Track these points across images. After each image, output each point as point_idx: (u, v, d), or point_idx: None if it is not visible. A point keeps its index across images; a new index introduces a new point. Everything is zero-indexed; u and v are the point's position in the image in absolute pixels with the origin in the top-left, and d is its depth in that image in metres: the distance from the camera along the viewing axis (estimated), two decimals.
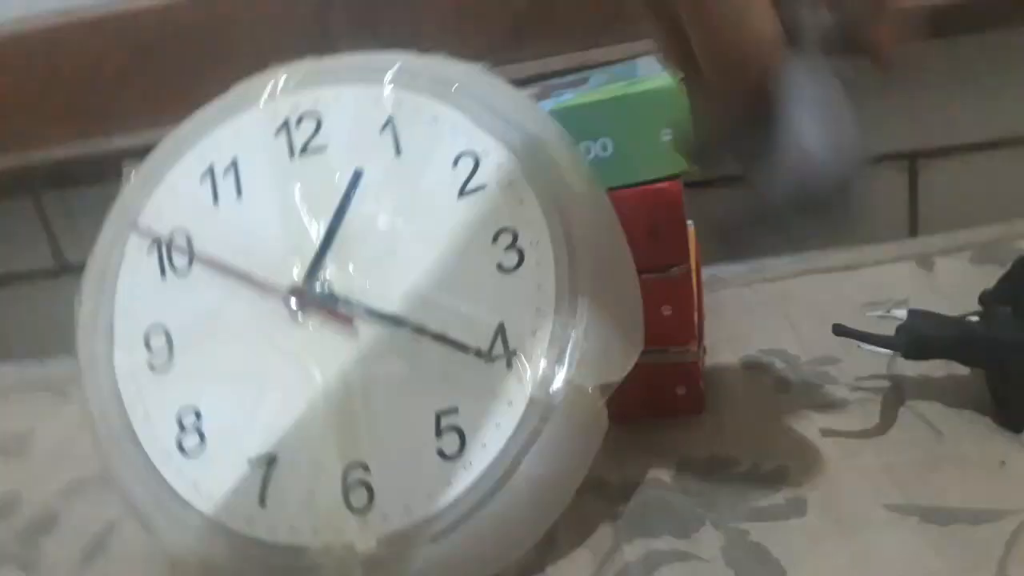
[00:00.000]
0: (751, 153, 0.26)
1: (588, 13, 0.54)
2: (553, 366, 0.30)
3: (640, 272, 0.36)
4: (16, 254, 0.71)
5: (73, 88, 0.61)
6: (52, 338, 0.72)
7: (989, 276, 0.38)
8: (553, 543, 0.35)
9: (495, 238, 0.32)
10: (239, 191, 0.35)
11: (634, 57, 0.51)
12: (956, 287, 0.47)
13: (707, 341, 0.47)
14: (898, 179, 0.61)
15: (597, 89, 0.40)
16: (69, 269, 0.71)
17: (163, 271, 0.35)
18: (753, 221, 0.27)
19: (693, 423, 0.41)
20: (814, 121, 0.25)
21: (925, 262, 0.52)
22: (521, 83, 0.52)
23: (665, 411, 0.42)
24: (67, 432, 0.53)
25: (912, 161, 0.60)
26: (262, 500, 0.31)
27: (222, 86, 0.39)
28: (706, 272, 0.56)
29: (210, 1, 0.58)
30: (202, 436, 0.33)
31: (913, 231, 0.62)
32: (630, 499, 0.37)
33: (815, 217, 0.26)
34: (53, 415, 0.56)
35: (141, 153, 0.61)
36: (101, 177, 0.63)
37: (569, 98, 0.40)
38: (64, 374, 0.61)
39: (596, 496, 0.37)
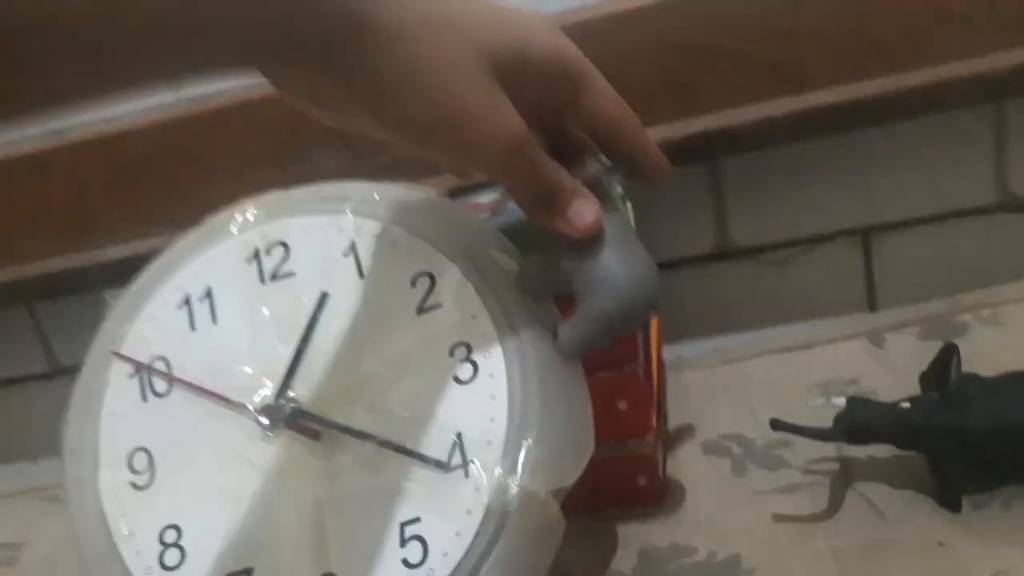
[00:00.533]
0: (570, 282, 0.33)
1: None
2: (507, 474, 0.32)
3: (595, 370, 0.38)
4: (12, 359, 0.73)
5: (63, 205, 0.64)
6: (47, 439, 0.74)
7: (935, 352, 0.40)
8: None
9: (451, 352, 0.34)
10: (214, 317, 0.37)
11: None
12: (905, 364, 0.49)
13: (670, 425, 0.49)
14: (853, 254, 0.64)
15: None
16: (62, 372, 0.73)
17: (144, 395, 0.37)
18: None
19: (654, 512, 0.43)
20: (620, 262, 0.32)
21: (876, 339, 0.54)
22: (483, 187, 0.56)
23: (627, 501, 0.44)
24: (57, 542, 0.55)
25: (866, 236, 0.63)
26: None
27: (203, 202, 0.41)
28: (670, 353, 0.59)
29: (190, 121, 0.61)
30: (183, 552, 0.34)
31: (871, 303, 0.64)
32: None
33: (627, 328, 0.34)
34: (44, 524, 0.58)
35: (126, 264, 0.64)
36: (90, 287, 0.66)
37: (514, 214, 0.42)
38: (58, 478, 0.63)
39: None
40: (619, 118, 0.34)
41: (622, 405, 0.43)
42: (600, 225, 0.32)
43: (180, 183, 0.62)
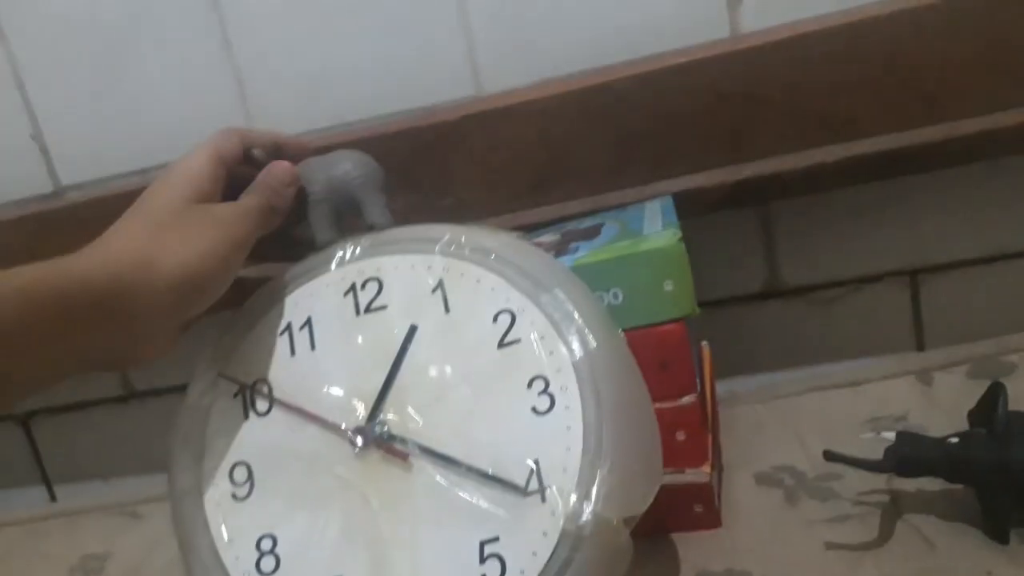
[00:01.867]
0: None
1: (599, 163, 0.61)
2: (582, 500, 0.34)
3: (654, 402, 0.40)
4: (88, 382, 0.77)
5: None
6: (119, 460, 0.79)
7: (983, 390, 0.43)
8: None
9: (529, 384, 0.37)
10: (312, 344, 0.41)
11: (642, 201, 0.58)
12: (953, 402, 0.51)
13: (724, 458, 0.52)
14: (901, 294, 0.65)
15: (609, 245, 0.46)
16: (136, 396, 0.77)
17: (246, 414, 0.41)
18: None
19: (710, 537, 0.45)
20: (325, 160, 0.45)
21: (925, 377, 0.56)
22: (542, 226, 0.59)
23: (684, 526, 0.46)
24: (140, 553, 0.58)
25: (913, 277, 0.65)
26: None
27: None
28: (721, 388, 0.61)
29: None
30: (277, 559, 0.38)
31: (919, 343, 0.66)
32: None
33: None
34: (126, 537, 0.62)
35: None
36: None
37: (584, 253, 0.46)
38: (133, 496, 0.67)
39: None
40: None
41: (680, 436, 0.45)
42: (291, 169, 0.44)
43: None
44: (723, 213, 0.64)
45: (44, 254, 0.71)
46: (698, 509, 0.46)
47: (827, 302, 0.66)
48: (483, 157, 0.62)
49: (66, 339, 0.34)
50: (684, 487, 0.45)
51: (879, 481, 0.46)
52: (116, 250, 0.37)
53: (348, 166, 0.44)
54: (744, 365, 0.66)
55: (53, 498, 0.81)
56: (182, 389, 0.43)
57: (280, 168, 0.43)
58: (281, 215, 0.43)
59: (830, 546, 0.42)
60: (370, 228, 0.43)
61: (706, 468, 0.45)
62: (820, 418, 0.54)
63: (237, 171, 0.43)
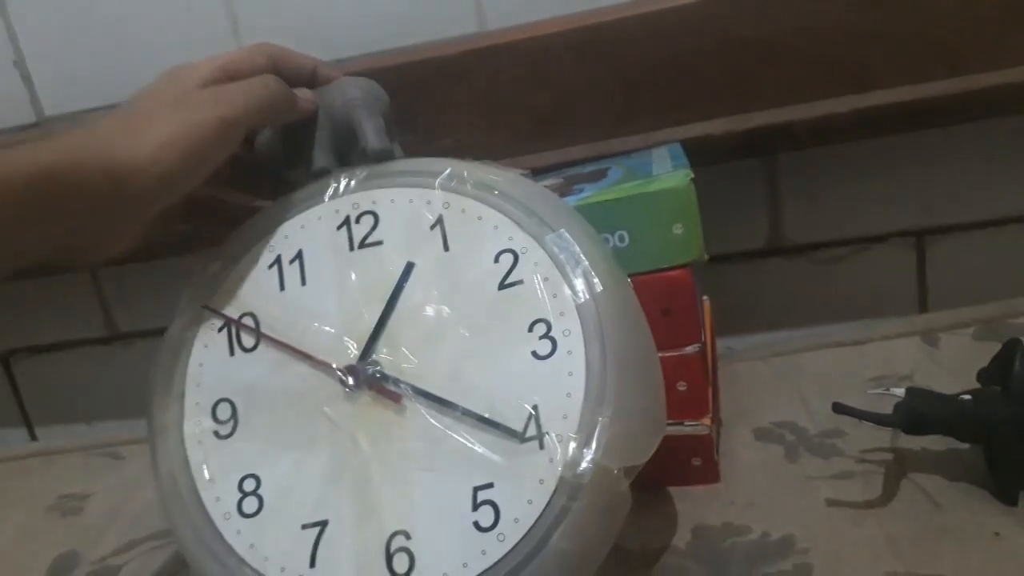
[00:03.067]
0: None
1: (604, 108, 0.59)
2: (581, 448, 0.33)
3: (657, 350, 0.39)
4: (71, 322, 0.76)
5: None
6: (102, 402, 0.77)
7: (990, 352, 0.41)
8: None
9: (530, 327, 0.35)
10: (303, 279, 0.39)
11: (649, 148, 0.56)
12: (960, 363, 0.50)
13: (722, 413, 0.50)
14: (906, 256, 0.64)
15: (616, 186, 0.44)
16: (119, 337, 0.75)
17: (232, 349, 0.39)
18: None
19: (708, 492, 0.44)
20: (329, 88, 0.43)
21: (930, 338, 0.55)
22: (543, 171, 0.57)
23: (682, 480, 0.45)
24: (120, 494, 0.57)
25: (919, 238, 0.64)
26: (312, 561, 0.34)
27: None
28: (721, 344, 0.60)
29: None
30: (261, 500, 0.36)
31: (923, 307, 0.65)
32: (649, 565, 0.40)
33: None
34: (106, 478, 0.60)
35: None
36: (154, 254, 0.68)
37: (590, 193, 0.44)
38: (115, 437, 0.66)
39: (617, 563, 0.40)
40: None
41: (681, 386, 0.44)
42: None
43: None
44: (728, 165, 0.62)
45: None
46: (696, 463, 0.45)
47: (831, 261, 0.64)
48: (484, 96, 0.60)
49: (42, 220, 0.32)
50: (683, 439, 0.44)
51: (883, 439, 0.45)
52: (104, 125, 0.35)
53: (354, 91, 0.42)
54: (744, 323, 0.65)
55: (34, 440, 0.79)
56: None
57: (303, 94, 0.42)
58: (283, 114, 0.40)
59: (832, 503, 0.41)
60: (366, 156, 0.41)
61: (707, 421, 0.44)
62: (822, 376, 0.53)
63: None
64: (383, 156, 0.40)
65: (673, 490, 0.45)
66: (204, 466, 0.38)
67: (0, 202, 0.30)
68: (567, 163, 0.58)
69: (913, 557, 0.37)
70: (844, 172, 0.62)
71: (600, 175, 0.48)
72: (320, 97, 0.42)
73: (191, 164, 0.36)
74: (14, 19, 0.66)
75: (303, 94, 0.41)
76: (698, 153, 0.55)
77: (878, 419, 0.39)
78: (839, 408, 0.39)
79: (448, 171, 0.39)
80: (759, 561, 0.39)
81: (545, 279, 0.36)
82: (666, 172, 0.44)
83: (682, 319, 0.43)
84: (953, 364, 0.51)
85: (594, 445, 0.33)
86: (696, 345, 0.43)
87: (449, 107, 0.60)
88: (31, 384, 0.79)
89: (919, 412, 0.39)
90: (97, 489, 0.59)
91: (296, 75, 0.42)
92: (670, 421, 0.43)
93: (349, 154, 0.42)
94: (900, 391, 0.40)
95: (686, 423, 0.44)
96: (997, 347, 0.41)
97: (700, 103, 0.58)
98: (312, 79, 0.43)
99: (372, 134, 0.40)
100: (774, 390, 0.52)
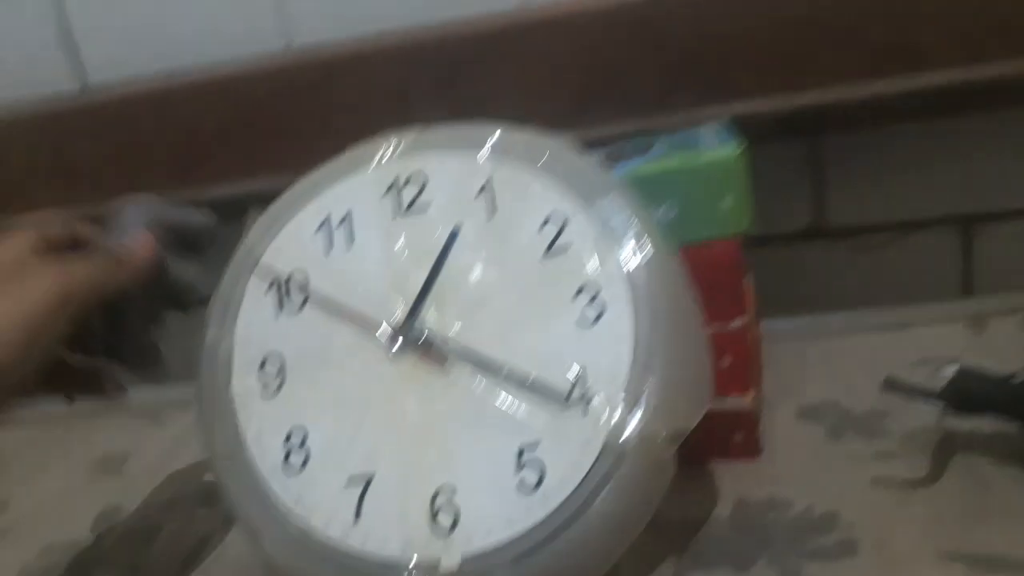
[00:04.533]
0: None
1: (647, 84, 0.58)
2: (628, 413, 0.33)
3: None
4: None
5: (176, 144, 0.67)
6: None
7: None
8: (616, 573, 0.37)
9: (577, 293, 0.35)
10: (351, 241, 0.39)
11: (694, 126, 0.55)
12: (1007, 348, 0.49)
13: (764, 392, 0.50)
14: (952, 242, 0.63)
15: (663, 157, 0.44)
16: None
17: (280, 307, 0.39)
18: None
19: (750, 467, 0.44)
20: None
21: (977, 323, 0.54)
22: (587, 147, 0.57)
23: (723, 455, 0.45)
24: (161, 454, 0.58)
25: (966, 225, 0.63)
26: (357, 515, 0.35)
27: (308, 149, 0.42)
28: (762, 326, 0.59)
29: (301, 71, 0.63)
30: (307, 455, 0.36)
31: (967, 293, 0.64)
32: (689, 536, 0.40)
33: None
34: (147, 438, 0.61)
35: (231, 203, 0.66)
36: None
37: (637, 165, 0.43)
38: (154, 401, 0.67)
39: (657, 532, 0.39)
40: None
41: (725, 361, 0.43)
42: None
43: (288, 130, 0.64)
44: (771, 145, 0.61)
45: (68, 154, 0.70)
46: (738, 438, 0.44)
47: (874, 246, 0.64)
48: (524, 73, 0.59)
49: None
50: (725, 414, 0.44)
51: (929, 420, 0.44)
52: None
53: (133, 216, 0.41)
54: (784, 306, 0.64)
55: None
56: (204, 302, 0.41)
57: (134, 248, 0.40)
58: (124, 282, 0.38)
59: (877, 481, 0.41)
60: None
61: (750, 396, 0.44)
62: (865, 358, 0.52)
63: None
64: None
65: (714, 465, 0.45)
66: (251, 421, 0.38)
67: None
68: (609, 139, 0.57)
69: (962, 536, 0.36)
70: (890, 155, 0.61)
71: (645, 147, 0.48)
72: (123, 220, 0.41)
73: (30, 345, 0.34)
74: None
75: (133, 253, 0.39)
76: (742, 131, 0.55)
77: (929, 396, 0.38)
78: (890, 384, 0.38)
79: (496, 137, 0.39)
80: (802, 535, 0.38)
81: (592, 245, 0.36)
82: (714, 146, 0.44)
83: (727, 293, 0.42)
84: (1001, 349, 0.50)
85: (641, 410, 0.33)
86: (741, 319, 0.43)
87: (491, 83, 0.60)
88: None
89: (970, 390, 0.38)
90: (137, 449, 0.60)
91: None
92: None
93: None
94: (951, 369, 0.39)
95: (729, 398, 0.44)
96: None
97: (747, 81, 0.57)
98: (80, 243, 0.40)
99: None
100: (816, 370, 0.52)
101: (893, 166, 0.61)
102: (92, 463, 0.59)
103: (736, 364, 0.43)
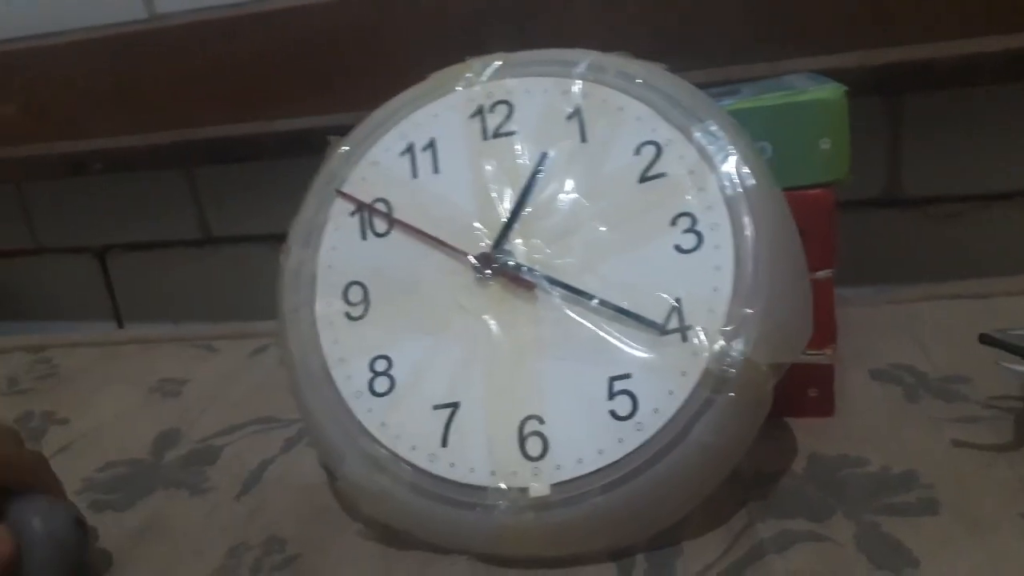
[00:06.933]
0: None
1: (729, 33, 0.56)
2: (729, 342, 0.32)
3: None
4: (164, 223, 0.77)
5: (239, 75, 0.66)
6: (191, 304, 0.78)
7: None
8: (688, 521, 0.37)
9: (673, 221, 0.34)
10: (436, 167, 0.38)
11: (778, 76, 0.53)
12: None
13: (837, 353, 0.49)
14: None
15: (760, 96, 0.42)
16: (212, 241, 0.76)
17: (364, 234, 0.39)
18: None
19: (823, 425, 0.43)
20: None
21: None
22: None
23: (796, 411, 0.44)
24: (217, 382, 0.58)
25: None
26: (444, 441, 0.34)
27: (375, 83, 0.42)
28: None
29: (369, 4, 0.62)
30: (392, 381, 0.36)
31: None
32: (763, 486, 0.39)
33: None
34: (202, 366, 0.61)
35: (294, 138, 0.65)
36: (251, 157, 0.68)
37: (732, 102, 0.42)
38: (208, 331, 0.67)
39: (729, 483, 0.39)
40: None
41: None
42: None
43: (355, 64, 0.63)
44: (853, 103, 0.59)
45: (132, 82, 0.69)
46: (813, 394, 0.43)
47: (949, 217, 0.62)
48: (602, 13, 0.58)
49: None
50: (802, 368, 0.42)
51: (1012, 387, 0.43)
52: None
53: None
54: (854, 274, 0.63)
55: None
56: (260, 239, 0.41)
57: None
58: None
59: (957, 443, 0.40)
60: None
61: (828, 350, 0.43)
62: (940, 326, 0.51)
63: None
64: None
65: (787, 421, 0.44)
66: (335, 346, 0.38)
67: None
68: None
69: None
70: (972, 121, 0.59)
71: (734, 92, 0.46)
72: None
73: None
74: None
75: None
76: None
77: None
78: (987, 339, 0.37)
79: (588, 61, 0.38)
80: (880, 491, 0.37)
81: (691, 172, 0.35)
82: (814, 85, 0.42)
83: (819, 242, 0.41)
84: None
85: (743, 340, 0.32)
86: (828, 271, 0.42)
87: (567, 20, 0.58)
88: (124, 280, 0.81)
89: None
90: (194, 376, 0.60)
91: None
92: None
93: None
94: None
95: (807, 352, 0.43)
96: None
97: (834, 34, 0.55)
98: None
99: None
100: (891, 335, 0.50)
101: (973, 134, 0.59)
102: (150, 387, 0.59)
103: (818, 316, 0.42)
